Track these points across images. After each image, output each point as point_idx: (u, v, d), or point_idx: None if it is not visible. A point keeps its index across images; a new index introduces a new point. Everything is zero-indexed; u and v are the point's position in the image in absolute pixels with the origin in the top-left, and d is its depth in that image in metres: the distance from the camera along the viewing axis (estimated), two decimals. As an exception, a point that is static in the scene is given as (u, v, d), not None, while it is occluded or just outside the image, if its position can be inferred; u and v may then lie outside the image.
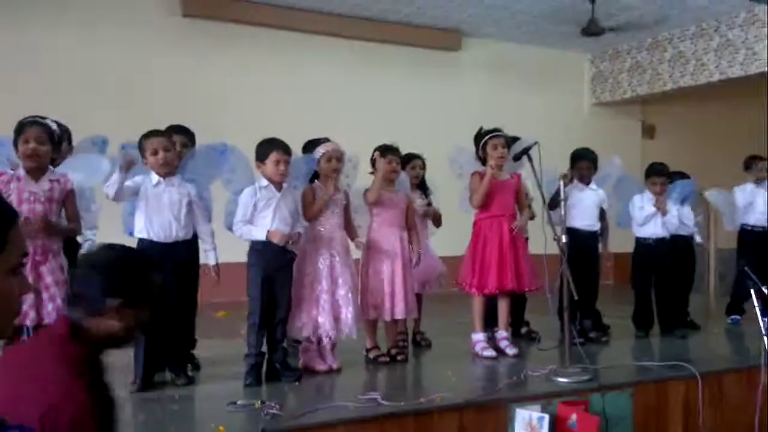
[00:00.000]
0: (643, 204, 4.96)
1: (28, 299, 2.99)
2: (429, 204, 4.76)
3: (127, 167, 3.40)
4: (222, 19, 7.24)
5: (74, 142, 3.90)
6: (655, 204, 4.90)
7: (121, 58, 6.78)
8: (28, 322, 3.06)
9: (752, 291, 3.30)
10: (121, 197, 3.47)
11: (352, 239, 4.07)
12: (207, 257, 3.66)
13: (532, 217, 4.59)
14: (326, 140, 3.98)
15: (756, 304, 3.28)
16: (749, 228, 5.64)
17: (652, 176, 5.01)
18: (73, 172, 3.42)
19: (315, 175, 3.99)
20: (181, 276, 3.59)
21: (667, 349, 4.54)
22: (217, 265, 3.68)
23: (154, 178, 3.53)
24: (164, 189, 3.52)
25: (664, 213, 4.91)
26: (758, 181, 5.64)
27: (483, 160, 4.37)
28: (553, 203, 4.27)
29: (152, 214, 3.48)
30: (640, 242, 5.05)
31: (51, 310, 3.05)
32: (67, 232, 3.28)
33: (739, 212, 5.65)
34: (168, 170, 3.54)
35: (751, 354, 4.31)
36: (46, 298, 3.04)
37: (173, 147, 3.60)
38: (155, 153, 3.48)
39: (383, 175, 4.16)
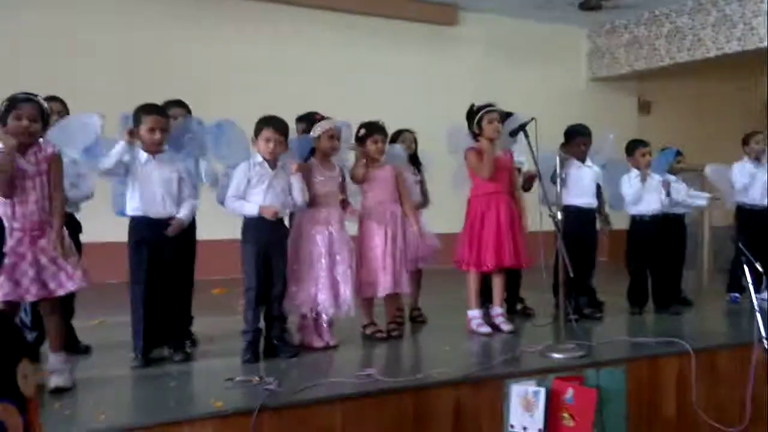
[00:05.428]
0: (630, 182, 4.97)
1: (29, 274, 2.97)
2: (420, 181, 4.74)
3: (129, 138, 3.39)
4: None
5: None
6: (641, 177, 4.90)
7: (109, 31, 6.70)
8: (29, 298, 3.03)
9: (745, 267, 3.33)
10: (113, 172, 3.45)
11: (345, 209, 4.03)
12: (180, 211, 3.54)
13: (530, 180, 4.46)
14: (320, 117, 3.94)
15: (749, 280, 3.30)
16: (747, 206, 5.55)
17: (639, 147, 5.02)
18: (67, 139, 3.38)
19: (311, 152, 3.97)
20: (178, 252, 3.59)
21: (661, 325, 4.59)
22: (181, 220, 3.53)
23: (143, 156, 3.49)
24: (154, 167, 3.50)
25: (643, 178, 4.91)
26: (756, 158, 5.53)
27: (476, 136, 4.35)
28: (554, 178, 4.27)
29: (145, 192, 3.46)
30: (635, 219, 5.06)
31: (64, 279, 3.02)
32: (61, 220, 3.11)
33: (738, 190, 5.54)
34: (159, 149, 3.51)
35: (744, 330, 4.37)
36: (56, 269, 3.00)
37: (168, 126, 3.57)
38: (152, 131, 3.46)
39: (365, 157, 4.15)
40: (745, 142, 5.63)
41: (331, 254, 3.87)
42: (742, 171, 5.53)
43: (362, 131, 4.20)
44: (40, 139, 3.14)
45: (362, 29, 7.84)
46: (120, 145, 3.40)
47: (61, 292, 3.05)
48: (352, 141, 4.16)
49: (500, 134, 4.28)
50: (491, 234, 4.21)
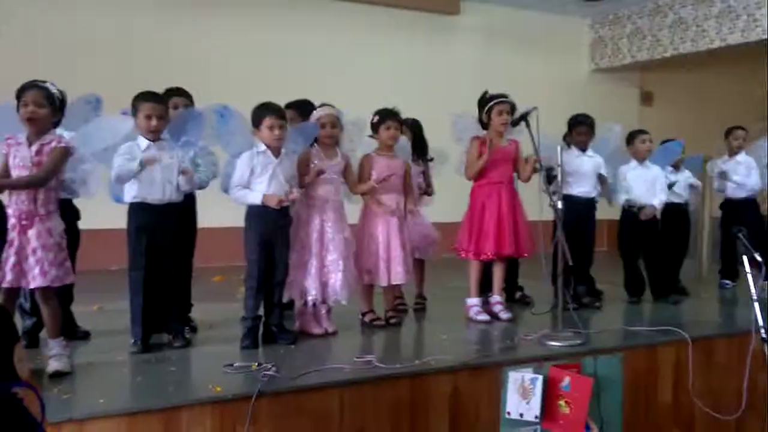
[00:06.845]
0: (627, 173, 4.98)
1: (9, 261, 2.99)
2: (423, 172, 4.74)
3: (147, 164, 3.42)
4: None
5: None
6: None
7: (107, 19, 6.68)
8: (3, 284, 3.04)
9: (744, 258, 3.32)
10: (124, 180, 3.47)
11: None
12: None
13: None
14: (312, 105, 3.96)
15: (747, 270, 3.30)
16: (729, 198, 5.72)
17: (639, 135, 5.02)
18: (96, 137, 3.40)
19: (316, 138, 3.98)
20: (177, 239, 3.60)
21: (659, 314, 4.60)
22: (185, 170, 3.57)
23: (143, 142, 3.50)
24: (155, 153, 3.49)
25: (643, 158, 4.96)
26: (735, 152, 5.69)
27: (485, 125, 4.34)
28: (549, 179, 4.23)
29: (145, 178, 3.46)
30: (625, 210, 5.06)
31: (37, 273, 3.04)
32: (12, 184, 3.03)
33: (721, 182, 5.71)
34: (157, 136, 3.52)
35: (741, 319, 4.38)
36: (33, 262, 3.03)
37: (167, 114, 3.57)
38: (149, 118, 3.46)
39: (383, 144, 4.16)
40: (726, 137, 5.78)
41: (323, 242, 3.87)
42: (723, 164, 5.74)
43: (376, 118, 4.19)
44: (57, 132, 3.17)
45: (363, 18, 7.80)
46: (136, 165, 3.41)
47: (31, 286, 3.06)
48: (349, 128, 4.16)
49: (507, 126, 4.25)
50: (492, 223, 4.22)
